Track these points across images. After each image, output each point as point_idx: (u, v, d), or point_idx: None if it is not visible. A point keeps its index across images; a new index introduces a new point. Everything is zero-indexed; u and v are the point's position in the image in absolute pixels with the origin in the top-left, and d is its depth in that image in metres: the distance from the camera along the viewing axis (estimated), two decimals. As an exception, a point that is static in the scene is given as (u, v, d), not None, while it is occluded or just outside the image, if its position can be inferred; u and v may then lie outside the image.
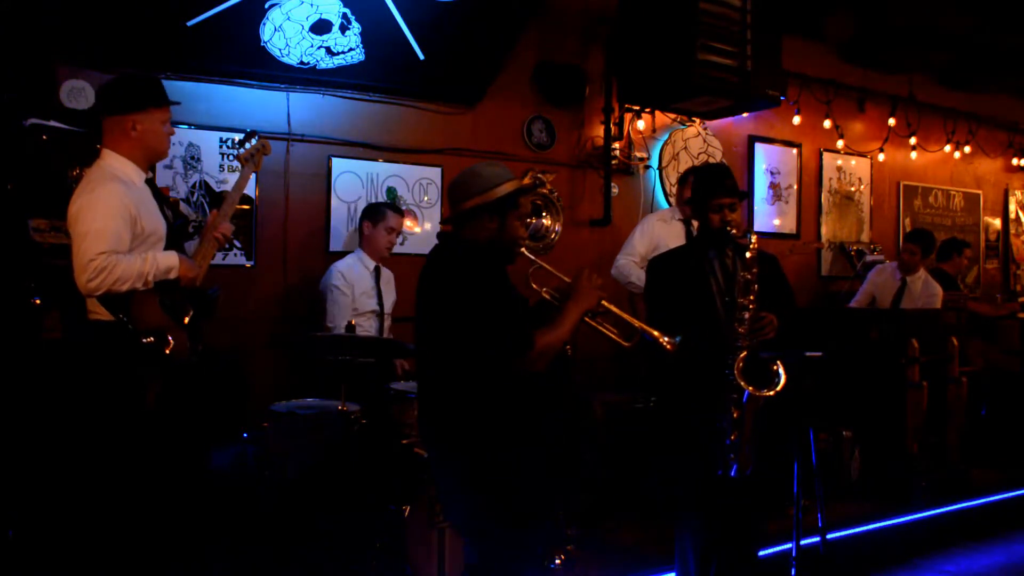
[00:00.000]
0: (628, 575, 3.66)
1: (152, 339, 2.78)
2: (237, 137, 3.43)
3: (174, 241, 3.05)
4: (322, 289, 4.25)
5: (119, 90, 2.99)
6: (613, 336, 2.67)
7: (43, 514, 3.15)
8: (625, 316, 2.65)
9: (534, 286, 2.69)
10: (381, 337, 4.21)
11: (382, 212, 4.32)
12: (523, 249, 2.61)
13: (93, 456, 2.92)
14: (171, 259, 2.90)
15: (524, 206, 2.59)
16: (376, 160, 4.86)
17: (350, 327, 3.70)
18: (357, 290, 4.22)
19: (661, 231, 4.79)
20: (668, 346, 2.60)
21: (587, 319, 2.60)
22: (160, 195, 3.13)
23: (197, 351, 2.93)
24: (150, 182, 3.06)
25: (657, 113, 5.87)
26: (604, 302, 2.59)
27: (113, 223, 2.77)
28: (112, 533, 2.87)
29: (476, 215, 2.52)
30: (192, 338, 2.91)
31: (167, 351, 2.79)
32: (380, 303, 4.30)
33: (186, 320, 2.92)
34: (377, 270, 4.34)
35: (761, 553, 3.55)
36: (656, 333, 2.61)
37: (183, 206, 4.28)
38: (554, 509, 3.42)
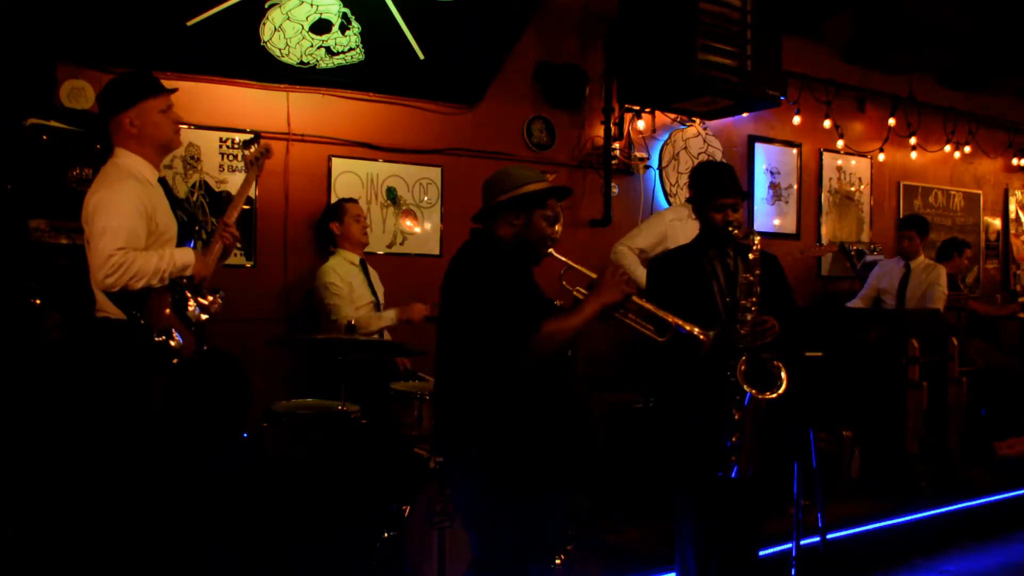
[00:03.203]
0: (628, 575, 3.66)
1: (163, 338, 2.79)
2: (239, 137, 3.44)
3: (184, 241, 3.06)
4: (318, 288, 4.24)
5: (112, 90, 3.01)
6: (647, 332, 2.67)
7: (44, 514, 3.15)
8: (658, 311, 2.64)
9: (566, 285, 2.71)
10: (381, 339, 4.20)
11: (341, 207, 4.35)
12: (551, 250, 2.62)
13: (96, 456, 2.92)
14: (188, 256, 2.92)
15: (553, 207, 2.63)
16: (376, 160, 4.86)
17: (350, 327, 3.69)
18: (353, 285, 4.23)
19: (676, 229, 4.71)
20: (704, 339, 2.61)
21: (619, 316, 2.61)
22: (173, 194, 3.14)
23: (202, 351, 2.94)
24: (163, 181, 3.07)
25: (657, 113, 5.87)
26: (636, 298, 2.58)
27: (130, 220, 2.80)
28: (112, 533, 2.87)
29: (504, 211, 2.58)
30: (199, 338, 2.92)
31: (175, 351, 2.80)
32: (374, 294, 4.33)
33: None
34: (363, 263, 4.36)
35: (761, 553, 3.55)
36: (689, 327, 2.62)
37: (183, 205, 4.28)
38: (559, 507, 3.43)
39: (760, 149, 6.59)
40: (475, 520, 2.56)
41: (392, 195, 4.91)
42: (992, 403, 5.79)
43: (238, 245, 4.34)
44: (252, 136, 3.41)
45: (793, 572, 3.31)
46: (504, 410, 2.44)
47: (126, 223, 2.78)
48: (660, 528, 3.93)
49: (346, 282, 4.20)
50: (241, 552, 3.30)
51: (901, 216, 7.61)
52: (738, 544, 3.18)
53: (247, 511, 3.40)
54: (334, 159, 4.72)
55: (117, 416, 2.82)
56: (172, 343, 2.79)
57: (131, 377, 2.80)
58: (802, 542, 3.33)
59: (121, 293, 2.76)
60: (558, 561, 3.39)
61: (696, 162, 5.96)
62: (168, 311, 2.85)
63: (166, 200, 3.02)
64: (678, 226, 4.75)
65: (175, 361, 2.81)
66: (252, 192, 4.45)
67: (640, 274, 4.55)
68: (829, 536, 3.41)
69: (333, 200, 4.67)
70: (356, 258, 4.35)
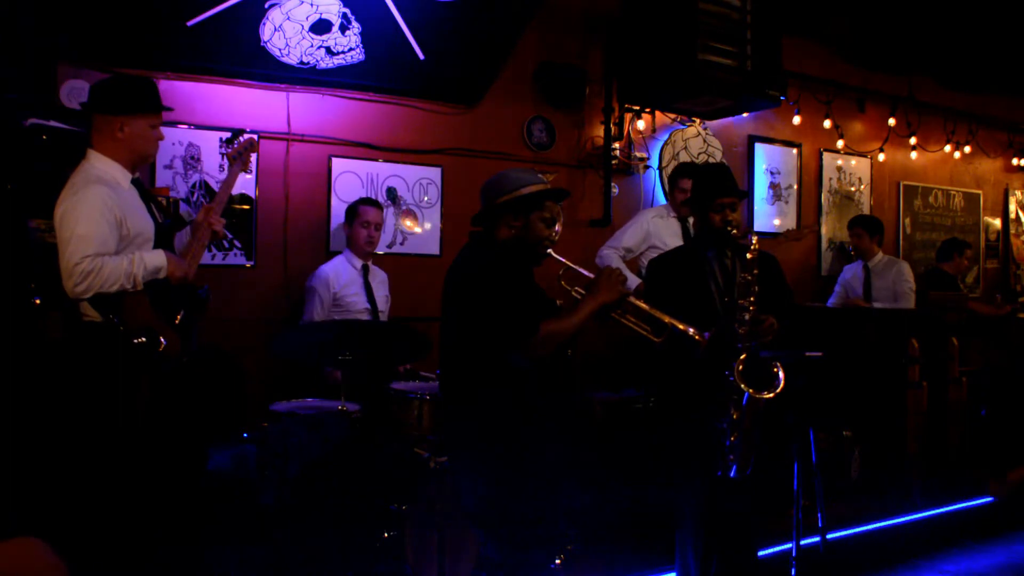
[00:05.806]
0: (628, 575, 3.66)
1: (143, 339, 2.77)
2: (224, 136, 3.47)
3: (164, 241, 3.04)
4: (305, 288, 4.26)
5: (112, 90, 2.98)
6: (644, 332, 2.72)
7: (41, 514, 3.15)
8: (655, 312, 2.70)
9: (564, 285, 2.75)
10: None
11: (354, 210, 4.32)
12: (550, 251, 2.66)
13: (89, 456, 2.91)
14: (159, 258, 2.89)
15: (551, 209, 2.64)
16: (376, 160, 4.86)
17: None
18: (343, 290, 4.21)
19: (657, 227, 4.84)
20: (699, 340, 2.66)
21: (616, 316, 2.67)
22: (148, 195, 3.13)
23: (189, 351, 2.93)
24: (137, 182, 3.06)
25: (657, 113, 5.87)
26: (632, 299, 2.66)
27: (97, 227, 2.77)
28: (111, 533, 2.87)
29: (502, 214, 2.62)
30: (184, 338, 2.90)
31: (159, 351, 2.78)
32: (371, 301, 4.30)
33: (177, 320, 2.92)
34: (365, 268, 4.34)
35: (761, 553, 3.55)
36: (683, 326, 2.67)
37: (183, 207, 4.27)
38: (561, 505, 3.44)
39: (760, 149, 6.59)
40: (481, 519, 2.59)
41: (392, 195, 4.91)
42: (992, 403, 5.79)
43: (237, 244, 4.37)
44: (231, 133, 3.41)
45: (793, 572, 3.31)
46: (506, 409, 2.47)
47: (93, 230, 2.75)
48: (660, 528, 3.93)
49: (330, 287, 4.19)
50: (241, 552, 3.30)
51: (900, 216, 7.62)
52: (738, 544, 3.18)
53: (247, 511, 3.40)
54: (334, 159, 4.72)
55: (105, 417, 2.81)
56: (156, 344, 2.78)
57: (113, 378, 2.79)
58: (802, 542, 3.33)
59: (96, 297, 2.76)
60: (558, 561, 3.39)
61: (696, 162, 5.96)
62: (148, 312, 2.83)
63: (141, 201, 3.01)
64: (659, 223, 4.85)
65: (160, 362, 2.79)
66: (254, 193, 4.46)
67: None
68: (829, 536, 3.41)
69: (333, 200, 4.69)
70: (359, 262, 4.33)
